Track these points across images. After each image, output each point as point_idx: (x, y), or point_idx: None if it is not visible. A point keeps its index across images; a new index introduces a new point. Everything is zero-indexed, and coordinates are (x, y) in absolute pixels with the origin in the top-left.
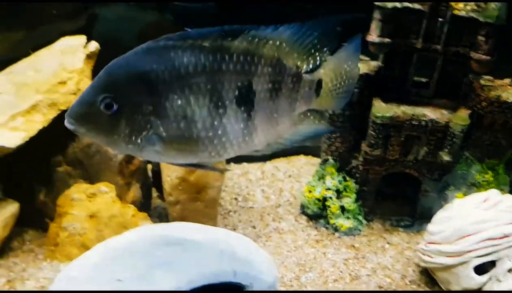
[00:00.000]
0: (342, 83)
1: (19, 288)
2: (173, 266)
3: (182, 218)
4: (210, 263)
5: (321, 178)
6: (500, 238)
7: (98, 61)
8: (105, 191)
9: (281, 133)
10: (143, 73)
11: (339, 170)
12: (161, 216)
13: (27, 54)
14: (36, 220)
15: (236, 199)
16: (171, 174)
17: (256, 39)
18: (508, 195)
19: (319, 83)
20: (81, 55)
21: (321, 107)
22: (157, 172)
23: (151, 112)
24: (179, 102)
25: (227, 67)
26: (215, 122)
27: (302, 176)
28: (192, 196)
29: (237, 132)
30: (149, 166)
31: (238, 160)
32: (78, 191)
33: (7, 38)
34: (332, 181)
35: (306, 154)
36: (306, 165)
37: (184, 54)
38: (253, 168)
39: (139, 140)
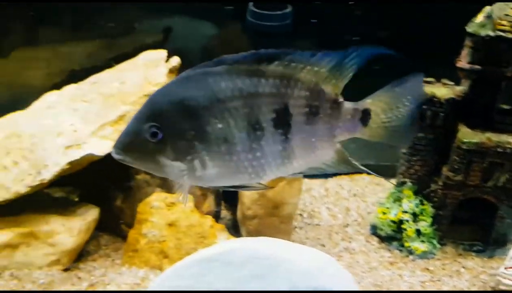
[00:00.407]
0: (399, 117)
1: None
2: (265, 280)
3: (258, 232)
4: (300, 279)
5: (397, 200)
6: None
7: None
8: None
9: (322, 158)
10: (184, 100)
11: (416, 193)
12: (230, 228)
13: (104, 64)
14: (111, 225)
15: (301, 215)
16: None
17: (293, 63)
18: None
19: (366, 112)
20: (163, 69)
21: (374, 138)
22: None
23: (194, 137)
24: (219, 126)
25: (263, 90)
26: (254, 145)
27: (367, 196)
28: (269, 211)
29: (275, 154)
30: None
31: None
32: (158, 199)
33: (86, 48)
34: (409, 204)
35: (369, 173)
36: (370, 184)
37: (221, 79)
38: (316, 184)
39: (183, 166)
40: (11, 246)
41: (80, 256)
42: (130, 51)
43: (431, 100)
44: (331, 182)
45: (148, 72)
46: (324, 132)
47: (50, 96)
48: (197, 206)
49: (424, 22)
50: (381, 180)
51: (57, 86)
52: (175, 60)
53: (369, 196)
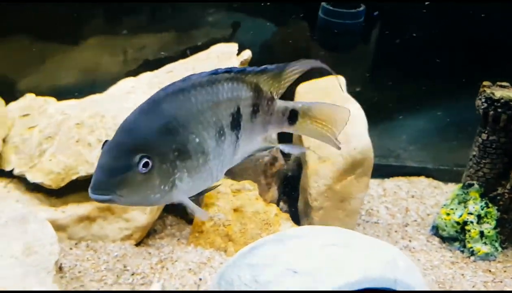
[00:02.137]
0: (327, 121)
1: (170, 268)
2: (340, 266)
3: (322, 223)
4: (375, 268)
5: (462, 201)
6: None
7: None
8: (249, 188)
9: (253, 148)
10: (165, 123)
11: (482, 196)
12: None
13: (176, 55)
14: (176, 207)
15: (359, 212)
16: (318, 181)
17: (242, 72)
18: None
19: (294, 112)
20: (235, 62)
21: (302, 133)
22: (291, 177)
23: (176, 157)
24: (197, 140)
25: (222, 97)
26: (220, 150)
27: (425, 198)
28: (336, 204)
29: (230, 154)
30: None
31: None
32: (224, 185)
33: (159, 40)
34: (475, 206)
35: (427, 175)
36: (428, 187)
37: (191, 94)
38: (373, 184)
39: (166, 188)
40: (89, 219)
41: (149, 233)
42: (200, 44)
43: (507, 104)
44: (389, 183)
45: (221, 64)
46: (261, 128)
47: (128, 82)
48: (261, 194)
49: (502, 27)
50: (439, 183)
51: (131, 74)
52: (247, 54)
53: (428, 198)
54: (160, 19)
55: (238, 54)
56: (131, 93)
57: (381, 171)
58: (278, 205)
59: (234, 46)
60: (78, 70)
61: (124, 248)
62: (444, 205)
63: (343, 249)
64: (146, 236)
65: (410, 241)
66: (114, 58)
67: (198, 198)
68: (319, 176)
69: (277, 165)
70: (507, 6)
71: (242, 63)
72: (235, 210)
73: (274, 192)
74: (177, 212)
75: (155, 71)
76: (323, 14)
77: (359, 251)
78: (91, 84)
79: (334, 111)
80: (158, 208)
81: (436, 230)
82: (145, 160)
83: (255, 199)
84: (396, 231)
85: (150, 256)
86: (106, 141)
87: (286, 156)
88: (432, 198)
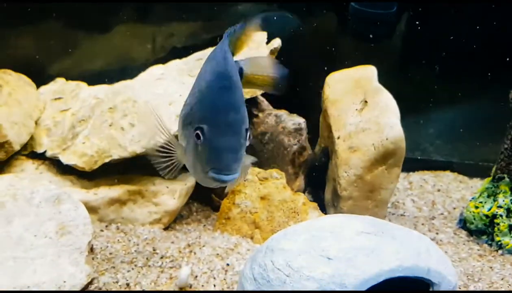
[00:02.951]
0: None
1: (198, 253)
2: (375, 254)
3: (351, 213)
4: (409, 257)
5: (492, 195)
6: None
7: None
8: (276, 177)
9: None
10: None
11: None
12: None
13: (205, 42)
14: (202, 194)
15: None
16: (348, 171)
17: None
18: None
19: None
20: (265, 50)
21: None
22: (318, 167)
23: None
24: None
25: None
26: None
27: (451, 192)
28: (365, 194)
29: None
30: None
31: None
32: (251, 172)
33: (187, 28)
34: (505, 199)
35: (452, 170)
36: (454, 182)
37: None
38: (400, 177)
39: None
40: (120, 202)
41: (176, 218)
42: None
43: None
44: (414, 176)
45: (251, 52)
46: None
47: (157, 69)
48: (288, 183)
49: None
50: (464, 178)
51: (160, 61)
52: (277, 42)
53: (454, 192)
54: (189, 7)
55: (267, 43)
56: (161, 80)
57: (407, 164)
58: (304, 194)
59: (263, 35)
60: (108, 57)
61: (153, 231)
62: (473, 198)
63: (377, 237)
64: (174, 221)
65: (437, 233)
66: (143, 45)
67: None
68: (349, 165)
69: (305, 154)
70: None
71: (272, 51)
72: (262, 198)
73: (301, 181)
74: (203, 199)
75: (184, 59)
76: (355, 4)
77: (392, 240)
78: (121, 71)
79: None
80: (186, 193)
81: (463, 223)
82: (249, 132)
83: (283, 188)
84: (423, 224)
85: (178, 240)
86: (198, 127)
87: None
88: (458, 192)
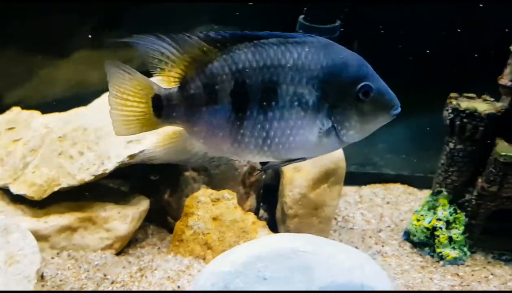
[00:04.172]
0: None
1: (149, 277)
2: (309, 272)
3: (298, 230)
4: (342, 273)
5: (432, 208)
6: None
7: None
8: (228, 197)
9: None
10: None
11: (450, 202)
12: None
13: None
14: (158, 217)
15: (335, 218)
16: (293, 189)
17: None
18: None
19: None
20: None
21: None
22: (270, 186)
23: None
24: None
25: None
26: None
27: (400, 204)
28: (310, 212)
29: None
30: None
31: None
32: (204, 194)
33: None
34: (444, 212)
35: (403, 182)
36: (403, 194)
37: None
38: (351, 191)
39: None
40: (71, 229)
41: (130, 242)
42: None
43: (472, 114)
44: (366, 190)
45: None
46: None
47: None
48: (240, 203)
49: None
50: (414, 190)
51: None
52: None
53: (402, 204)
54: (147, 31)
55: None
56: None
57: (358, 179)
58: (258, 213)
59: None
60: (65, 83)
61: (104, 257)
62: (416, 211)
63: (313, 256)
64: (127, 245)
65: (383, 246)
66: (100, 71)
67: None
68: (294, 184)
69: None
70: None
71: None
72: (214, 219)
73: (252, 200)
74: (159, 221)
75: None
76: (300, 29)
77: (328, 258)
78: (78, 97)
79: None
80: (139, 218)
81: (408, 236)
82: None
83: (234, 208)
84: (370, 237)
85: (130, 264)
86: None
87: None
88: (407, 204)
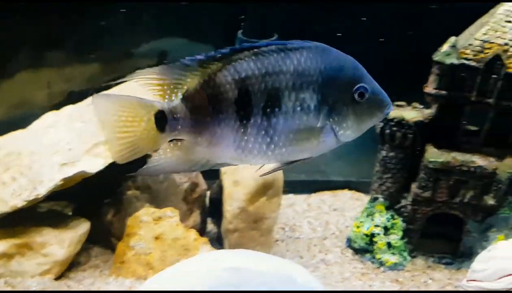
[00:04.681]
0: None
1: None
2: (242, 288)
3: (240, 244)
4: (273, 287)
5: (370, 214)
6: None
7: None
8: (170, 215)
9: None
10: None
11: (387, 208)
12: (213, 241)
13: (101, 86)
14: (101, 238)
15: (283, 228)
16: (233, 204)
17: None
18: None
19: None
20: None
21: None
22: (216, 200)
23: None
24: None
25: None
26: None
27: (346, 210)
28: (250, 225)
29: None
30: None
31: (285, 191)
32: (146, 213)
33: (85, 71)
34: (381, 218)
35: (350, 188)
36: (350, 200)
37: None
38: (299, 200)
39: None
40: (7, 256)
41: (71, 266)
42: (126, 74)
43: (400, 122)
44: (314, 198)
45: (142, 94)
46: None
47: (50, 116)
48: (183, 220)
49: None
50: (361, 195)
51: (57, 106)
52: None
53: (349, 210)
54: (87, 51)
55: None
56: (50, 128)
57: (308, 187)
58: (204, 228)
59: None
60: (7, 105)
61: (43, 282)
62: (356, 218)
63: (246, 271)
64: (68, 268)
65: (326, 254)
66: (41, 91)
67: None
68: (233, 199)
69: (198, 191)
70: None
71: None
72: (157, 238)
73: (196, 216)
74: (103, 243)
75: (77, 104)
76: (239, 45)
77: (259, 275)
78: (18, 119)
79: None
80: (78, 241)
81: (350, 243)
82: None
83: (176, 225)
84: (315, 245)
85: (69, 289)
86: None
87: (210, 178)
88: (353, 210)
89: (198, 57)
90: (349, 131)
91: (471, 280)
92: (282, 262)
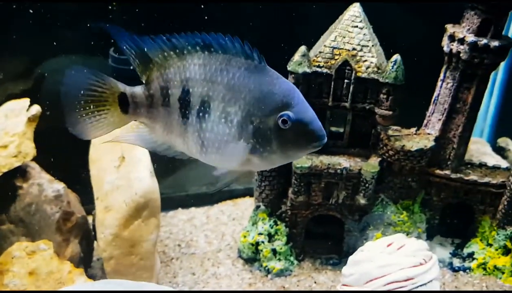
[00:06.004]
0: None
1: None
2: None
3: (117, 272)
4: None
5: (255, 223)
6: (405, 280)
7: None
8: (44, 248)
9: None
10: None
11: (270, 215)
12: (103, 268)
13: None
14: None
15: (179, 245)
16: (104, 231)
17: None
18: (413, 239)
19: None
20: (23, 118)
21: None
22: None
23: None
24: None
25: None
26: None
27: (245, 218)
28: (127, 251)
29: None
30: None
31: (186, 205)
32: (19, 248)
33: None
34: (264, 225)
35: (251, 195)
36: (251, 207)
37: None
38: (199, 213)
39: None
40: None
41: None
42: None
43: None
44: (214, 209)
45: (8, 122)
46: None
47: None
48: (59, 251)
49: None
50: None
51: None
52: (35, 109)
53: (246, 218)
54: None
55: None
56: None
57: (209, 199)
58: (90, 256)
59: (25, 102)
60: None
61: None
62: (244, 228)
63: None
64: None
65: (218, 267)
66: None
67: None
68: (104, 226)
69: (73, 219)
70: None
71: (30, 119)
72: (31, 273)
73: (74, 246)
74: None
75: None
76: (113, 63)
77: None
78: None
79: None
80: None
81: (240, 253)
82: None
83: (50, 259)
84: (209, 259)
85: None
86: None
87: (91, 203)
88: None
89: (163, 38)
90: (274, 155)
91: (344, 285)
92: (151, 286)
